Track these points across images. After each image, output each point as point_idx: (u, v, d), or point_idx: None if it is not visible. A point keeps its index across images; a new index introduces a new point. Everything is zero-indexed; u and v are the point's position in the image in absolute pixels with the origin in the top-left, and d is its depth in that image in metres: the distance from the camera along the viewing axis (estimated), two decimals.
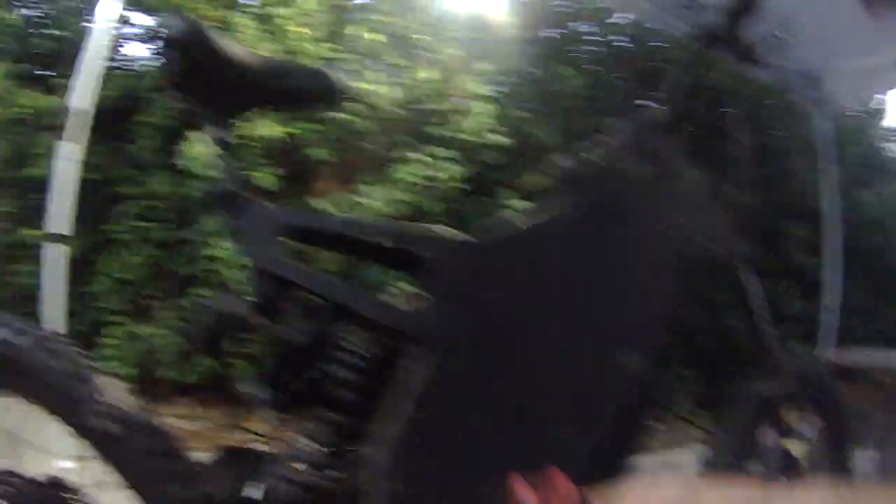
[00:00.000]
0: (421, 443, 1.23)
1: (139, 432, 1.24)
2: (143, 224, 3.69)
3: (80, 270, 3.92)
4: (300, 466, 1.26)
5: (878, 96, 7.12)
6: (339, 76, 1.44)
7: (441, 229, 1.34)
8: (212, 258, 3.54)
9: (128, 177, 3.75)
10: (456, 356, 1.25)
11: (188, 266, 3.67)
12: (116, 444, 1.24)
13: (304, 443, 1.27)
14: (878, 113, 7.61)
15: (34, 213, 3.68)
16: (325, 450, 1.27)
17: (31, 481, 1.31)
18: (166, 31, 1.30)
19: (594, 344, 1.30)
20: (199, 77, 1.30)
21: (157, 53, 1.23)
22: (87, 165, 3.63)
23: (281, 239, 1.28)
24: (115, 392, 1.28)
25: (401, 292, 1.36)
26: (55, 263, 2.86)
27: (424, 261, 1.28)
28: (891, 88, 5.64)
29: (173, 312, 3.72)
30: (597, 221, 1.37)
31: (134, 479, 1.26)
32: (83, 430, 1.25)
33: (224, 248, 3.42)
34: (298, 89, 1.43)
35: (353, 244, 1.47)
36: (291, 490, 1.25)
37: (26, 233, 3.64)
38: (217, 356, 1.35)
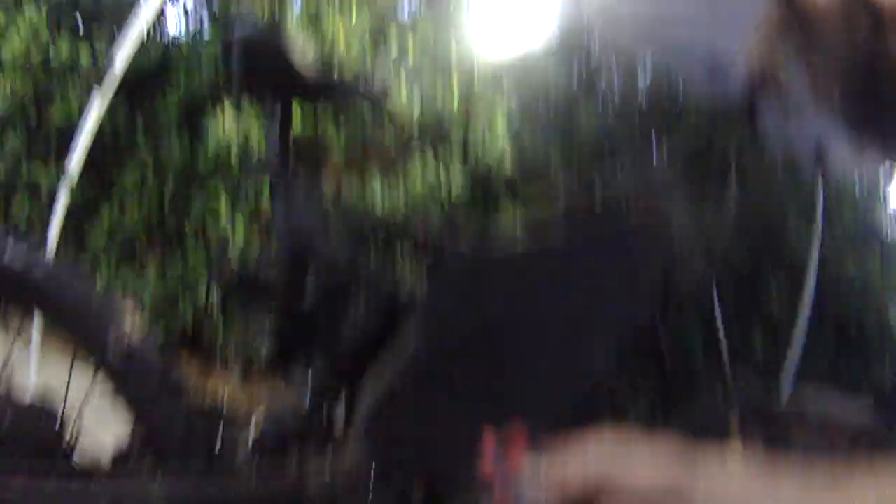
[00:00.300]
0: (405, 392, 1.37)
1: (149, 355, 1.36)
2: (147, 183, 3.74)
3: (81, 218, 4.01)
4: (289, 416, 1.39)
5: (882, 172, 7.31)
6: (383, 85, 1.60)
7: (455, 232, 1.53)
8: (209, 213, 3.66)
9: (145, 139, 3.82)
10: (446, 333, 1.41)
11: (183, 223, 3.73)
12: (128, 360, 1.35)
13: (292, 395, 1.40)
14: (878, 188, 7.79)
15: (53, 155, 3.79)
16: (315, 400, 1.41)
17: (17, 401, 1.41)
18: (240, 30, 1.44)
19: (569, 340, 1.47)
20: (266, 75, 1.45)
21: (225, 48, 1.34)
22: (109, 122, 3.74)
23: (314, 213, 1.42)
24: (129, 317, 1.38)
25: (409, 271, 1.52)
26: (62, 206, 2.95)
27: (437, 252, 1.45)
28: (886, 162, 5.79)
29: (160, 268, 3.78)
30: (586, 243, 1.54)
31: (137, 398, 1.38)
32: (97, 350, 1.36)
33: (220, 205, 3.54)
34: (348, 93, 1.59)
35: (379, 223, 1.69)
36: (280, 435, 1.38)
37: (37, 171, 3.72)
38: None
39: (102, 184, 3.97)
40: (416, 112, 3.61)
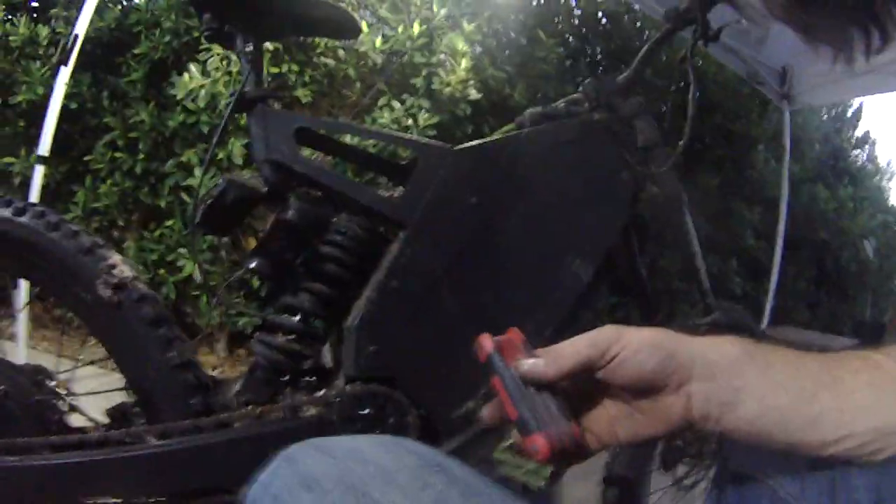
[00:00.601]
0: (391, 307, 1.40)
1: (140, 302, 1.37)
2: (119, 155, 3.72)
3: (56, 198, 3.99)
4: (285, 337, 1.42)
5: (852, 100, 7.41)
6: (352, 14, 1.61)
7: (429, 140, 1.55)
8: (184, 188, 3.64)
9: (112, 109, 3.79)
10: (431, 238, 1.44)
11: (159, 198, 3.72)
12: (119, 311, 1.35)
13: (288, 315, 1.43)
14: (849, 116, 7.90)
15: (20, 140, 3.76)
16: (311, 320, 1.44)
17: (15, 367, 1.43)
18: None
19: (549, 245, 1.52)
20: (233, 16, 1.46)
21: None
22: (74, 95, 3.71)
23: (292, 139, 1.44)
24: (121, 265, 1.38)
25: (390, 187, 1.55)
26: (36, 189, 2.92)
27: (414, 163, 1.47)
28: (858, 95, 5.88)
29: (138, 243, 3.78)
30: (557, 147, 1.59)
31: (126, 347, 1.39)
32: (89, 299, 1.35)
33: (195, 178, 3.52)
34: (320, 19, 1.60)
35: (355, 152, 1.71)
36: (277, 358, 1.41)
37: (7, 159, 3.69)
38: (225, 228, 1.48)
39: (74, 162, 3.95)
40: (379, 53, 3.62)
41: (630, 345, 0.66)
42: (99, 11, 3.66)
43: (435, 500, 0.58)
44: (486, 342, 0.69)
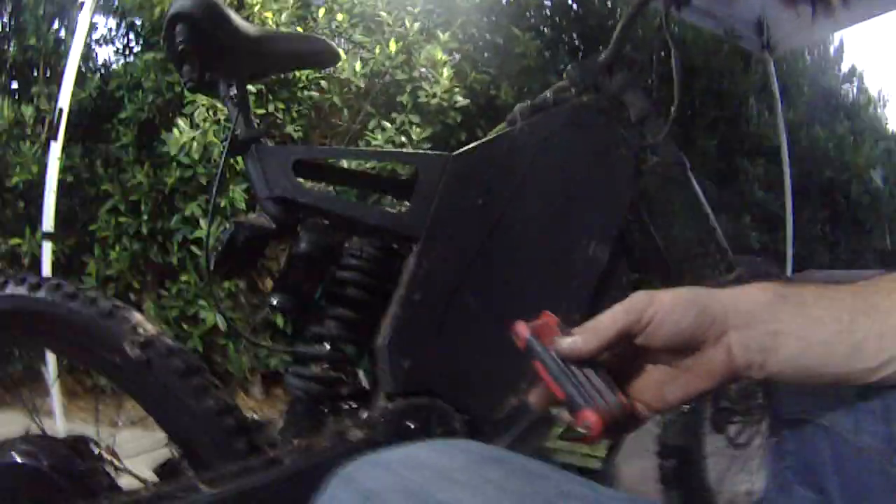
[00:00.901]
0: (418, 320, 1.40)
1: (169, 356, 1.37)
2: (123, 219, 3.74)
3: (69, 271, 4.02)
4: (318, 366, 1.42)
5: (830, 37, 7.39)
6: (329, 42, 1.62)
7: (425, 151, 1.56)
8: (193, 241, 3.65)
9: (108, 176, 3.81)
10: (444, 246, 1.44)
11: (169, 255, 3.74)
12: (149, 369, 1.35)
13: (317, 345, 1.43)
14: (832, 53, 7.87)
15: (23, 220, 3.78)
16: (341, 346, 1.44)
17: (56, 440, 1.41)
18: (177, 6, 1.45)
19: (562, 233, 1.52)
20: (211, 45, 1.46)
21: (168, 27, 1.34)
22: (68, 168, 3.74)
23: (291, 172, 1.44)
24: (144, 323, 1.38)
25: (395, 203, 1.55)
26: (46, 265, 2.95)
27: (415, 176, 1.48)
28: (836, 30, 5.87)
29: (157, 302, 3.79)
30: (552, 136, 1.58)
31: (163, 402, 1.38)
32: (119, 361, 1.35)
33: (202, 229, 3.54)
34: (299, 53, 1.61)
35: (355, 175, 1.71)
36: (314, 388, 1.41)
37: (14, 241, 3.71)
38: (240, 271, 1.49)
39: (80, 233, 3.97)
40: (361, 77, 3.64)
41: (663, 306, 0.66)
42: (79, 82, 3.69)
43: (497, 489, 0.58)
44: (522, 329, 0.70)
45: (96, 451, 1.45)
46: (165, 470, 1.44)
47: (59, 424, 2.82)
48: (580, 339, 0.68)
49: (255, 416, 1.52)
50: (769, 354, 0.64)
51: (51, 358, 2.62)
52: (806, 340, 0.63)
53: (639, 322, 0.67)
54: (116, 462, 1.46)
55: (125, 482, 1.46)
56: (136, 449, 1.52)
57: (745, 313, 0.65)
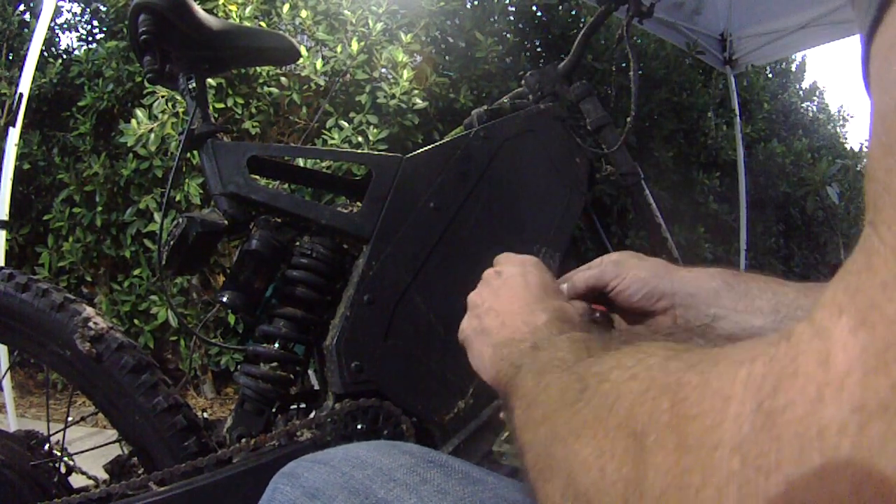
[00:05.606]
0: (367, 321, 1.42)
1: (120, 351, 1.37)
2: (77, 210, 3.69)
3: (22, 261, 3.96)
4: (268, 365, 1.42)
5: (792, 56, 7.53)
6: (291, 39, 1.62)
7: (380, 153, 1.57)
8: (147, 235, 3.62)
9: (64, 165, 3.76)
10: (394, 247, 1.46)
11: (123, 249, 3.70)
12: (100, 363, 1.34)
13: (268, 344, 1.43)
14: (794, 70, 8.01)
15: None
16: (290, 346, 1.44)
17: (7, 435, 1.41)
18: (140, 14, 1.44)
19: (513, 238, 1.56)
20: (173, 36, 1.46)
21: (132, 17, 1.32)
22: (26, 155, 3.68)
23: (246, 169, 1.45)
24: (96, 318, 1.37)
25: (349, 203, 1.56)
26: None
27: (368, 177, 1.49)
28: (798, 50, 6.01)
29: (109, 296, 3.75)
30: (507, 142, 1.61)
31: (113, 398, 1.37)
32: (69, 355, 1.35)
33: (156, 223, 3.51)
34: (260, 48, 1.61)
35: (310, 174, 1.71)
36: (263, 387, 1.41)
37: None
38: (191, 267, 1.48)
39: (34, 223, 3.92)
40: (321, 75, 3.65)
41: (623, 281, 0.81)
42: (40, 67, 3.64)
43: (435, 491, 0.60)
44: None
45: (47, 447, 1.45)
46: (115, 467, 1.43)
47: (10, 418, 2.78)
48: (566, 286, 0.82)
49: (206, 415, 1.51)
50: (707, 331, 0.74)
51: (2, 350, 2.58)
52: (740, 325, 0.73)
53: (606, 286, 0.81)
54: (67, 459, 1.46)
55: (76, 480, 1.46)
56: (88, 445, 1.50)
57: (689, 295, 0.77)
